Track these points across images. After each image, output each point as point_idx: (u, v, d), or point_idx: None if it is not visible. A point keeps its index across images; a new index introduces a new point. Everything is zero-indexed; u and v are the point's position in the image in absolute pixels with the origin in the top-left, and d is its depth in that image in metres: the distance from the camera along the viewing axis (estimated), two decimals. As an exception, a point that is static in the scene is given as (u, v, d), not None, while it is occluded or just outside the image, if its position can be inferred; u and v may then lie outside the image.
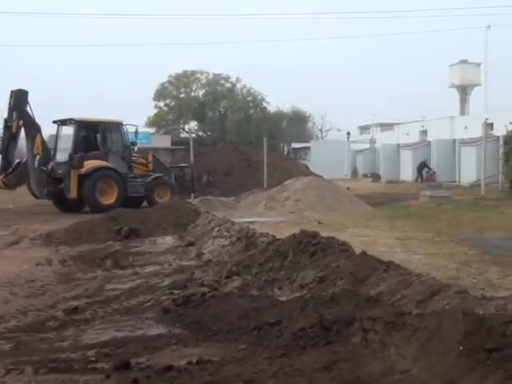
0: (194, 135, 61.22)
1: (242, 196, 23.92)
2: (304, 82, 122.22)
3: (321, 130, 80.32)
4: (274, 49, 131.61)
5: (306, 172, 33.78)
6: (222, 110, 65.07)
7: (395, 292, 5.74)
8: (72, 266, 9.60)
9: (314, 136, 75.22)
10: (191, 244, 11.62)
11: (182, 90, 64.76)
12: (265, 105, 65.82)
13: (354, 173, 54.99)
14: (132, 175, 22.68)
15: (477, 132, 34.14)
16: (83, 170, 21.09)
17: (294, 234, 8.48)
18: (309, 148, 59.19)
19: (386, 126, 70.08)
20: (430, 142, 44.59)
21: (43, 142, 21.61)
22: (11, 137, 21.13)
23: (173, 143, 53.26)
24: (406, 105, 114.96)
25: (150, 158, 23.89)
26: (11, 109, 21.14)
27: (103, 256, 10.42)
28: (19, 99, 21.19)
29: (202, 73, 64.30)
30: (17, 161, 21.87)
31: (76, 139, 21.84)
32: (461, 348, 3.74)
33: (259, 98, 64.89)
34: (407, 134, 55.37)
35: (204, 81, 64.74)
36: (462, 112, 61.86)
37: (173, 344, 5.36)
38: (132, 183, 22.29)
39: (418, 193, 26.30)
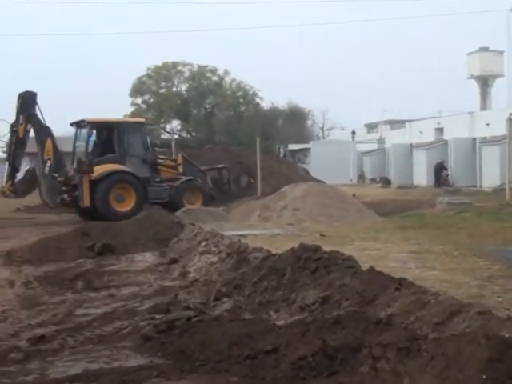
0: (176, 136, 61.15)
1: (232, 205, 23.93)
2: (302, 75, 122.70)
3: (322, 129, 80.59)
4: (267, 37, 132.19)
5: (306, 177, 33.90)
6: (208, 107, 65.17)
7: (409, 314, 5.74)
8: (37, 289, 9.56)
9: (314, 136, 75.43)
10: (174, 261, 11.61)
11: (163, 84, 64.86)
12: (257, 101, 65.99)
13: (361, 177, 55.14)
14: (158, 179, 23.16)
15: (500, 129, 34.23)
16: (94, 176, 21.62)
17: (292, 249, 8.48)
18: (308, 149, 59.29)
19: (397, 124, 70.27)
20: (446, 142, 44.75)
21: (54, 147, 22.10)
22: (18, 142, 21.74)
23: (153, 145, 53.20)
24: (419, 99, 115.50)
25: (180, 160, 24.43)
26: (18, 112, 21.77)
27: (73, 276, 10.38)
28: (26, 102, 21.85)
29: (184, 65, 64.43)
30: (27, 167, 22.63)
31: (89, 142, 22.47)
32: (484, 377, 3.74)
33: (251, 93, 65.05)
34: (421, 133, 55.53)
35: (187, 74, 64.85)
36: (483, 107, 62.13)
37: (154, 377, 5.35)
38: (154, 188, 22.75)
39: (434, 199, 26.39)
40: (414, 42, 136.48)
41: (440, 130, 54.08)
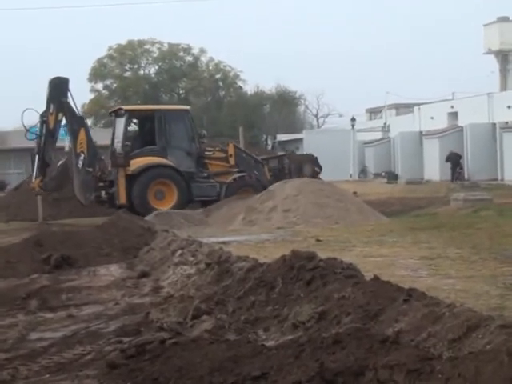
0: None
1: (212, 207, 23.93)
2: (292, 54, 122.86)
3: (316, 116, 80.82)
4: (250, 9, 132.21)
5: (298, 172, 33.83)
6: (181, 92, 65.26)
7: (420, 329, 5.78)
8: (-17, 310, 9.53)
9: (307, 124, 75.62)
10: (145, 275, 11.62)
11: (127, 66, 64.92)
12: (240, 84, 66.21)
13: (363, 172, 55.36)
14: (205, 174, 23.86)
15: (524, 112, 34.52)
16: (131, 170, 22.35)
17: (283, 257, 8.50)
18: (301, 140, 59.42)
19: (404, 108, 70.48)
20: (462, 128, 44.96)
21: (88, 139, 22.76)
22: (48, 133, 22.32)
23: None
24: (428, 80, 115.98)
25: (232, 150, 24.92)
26: (48, 100, 22.40)
27: (26, 294, 10.35)
28: (57, 88, 22.46)
29: (153, 43, 64.49)
30: (60, 161, 23.39)
31: (126, 132, 23.46)
32: (508, 400, 3.78)
33: (232, 75, 65.21)
34: (432, 118, 55.68)
35: (156, 54, 64.92)
36: (504, 87, 62.31)
37: (123, 410, 5.36)
38: (200, 184, 23.48)
39: (449, 196, 26.52)
40: (421, 12, 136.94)
41: (454, 115, 54.24)
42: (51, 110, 22.44)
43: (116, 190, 22.41)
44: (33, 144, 23.76)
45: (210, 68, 65.62)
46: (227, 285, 8.82)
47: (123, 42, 64.12)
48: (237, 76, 65.67)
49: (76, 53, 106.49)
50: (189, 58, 65.26)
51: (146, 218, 20.42)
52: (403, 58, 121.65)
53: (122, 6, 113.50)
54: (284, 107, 67.56)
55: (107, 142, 51.18)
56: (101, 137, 52.56)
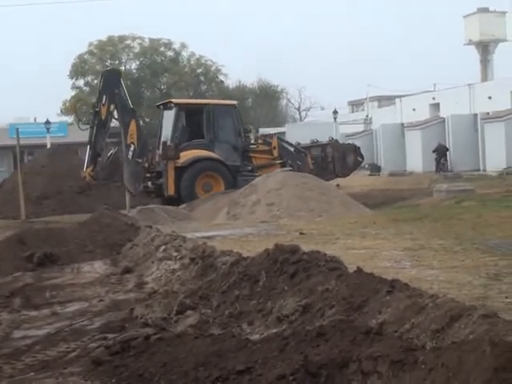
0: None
1: (195, 202, 23.92)
2: (274, 47, 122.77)
3: (298, 110, 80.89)
4: (230, 2, 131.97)
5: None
6: (163, 87, 65.06)
7: (403, 320, 5.80)
8: (-34, 309, 9.50)
9: (289, 117, 75.63)
10: (128, 271, 11.60)
11: (108, 62, 64.57)
12: (221, 78, 66.08)
13: (346, 164, 55.29)
14: (249, 167, 24.56)
15: (505, 103, 34.65)
16: (180, 162, 23.11)
17: (266, 251, 8.51)
18: (283, 133, 59.37)
19: (386, 100, 70.69)
20: (443, 119, 45.10)
21: (139, 130, 23.35)
22: (100, 124, 23.06)
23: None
24: (410, 71, 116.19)
25: (275, 143, 25.61)
26: (101, 92, 23.19)
27: (9, 293, 10.30)
28: (110, 80, 23.22)
29: (133, 38, 64.23)
30: (110, 151, 23.77)
31: (175, 125, 24.00)
32: (490, 390, 3.80)
33: (213, 69, 65.09)
34: (414, 110, 55.87)
35: (137, 49, 64.65)
36: (485, 77, 62.58)
37: (108, 406, 5.35)
38: (246, 177, 23.79)
39: (431, 187, 26.61)
40: (401, 4, 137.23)
41: (435, 106, 54.47)
42: (103, 101, 23.04)
43: (165, 181, 23.03)
44: (14, 142, 23.86)
45: (192, 63, 65.47)
46: (211, 279, 8.81)
47: (104, 37, 63.88)
48: (218, 70, 65.60)
49: (56, 49, 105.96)
50: (170, 53, 65.06)
51: (130, 214, 20.40)
52: (384, 50, 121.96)
53: (102, 2, 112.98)
54: (266, 101, 67.59)
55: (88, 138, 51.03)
56: (80, 133, 52.48)
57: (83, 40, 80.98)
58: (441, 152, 42.28)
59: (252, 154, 25.14)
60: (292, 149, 26.61)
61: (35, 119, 58.09)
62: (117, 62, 64.70)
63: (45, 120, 49.09)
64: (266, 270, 8.08)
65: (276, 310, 7.22)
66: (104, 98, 23.07)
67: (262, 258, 8.43)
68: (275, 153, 25.59)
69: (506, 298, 7.79)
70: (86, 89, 64.70)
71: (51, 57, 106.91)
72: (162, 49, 64.93)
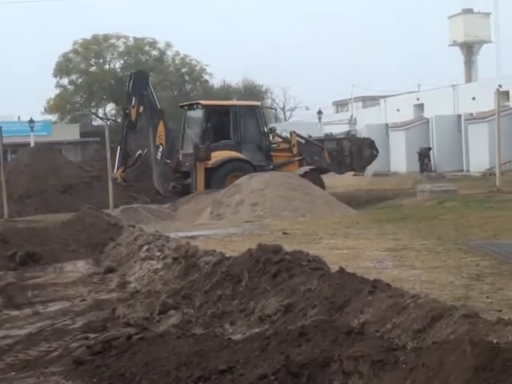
0: (110, 122, 60.78)
1: (179, 201, 23.90)
2: (258, 47, 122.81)
3: (283, 110, 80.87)
4: (216, 3, 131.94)
5: (265, 166, 33.91)
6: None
7: (385, 320, 5.82)
8: None
9: (273, 117, 75.59)
10: (111, 270, 11.59)
11: (93, 61, 64.35)
12: (206, 78, 65.94)
13: (330, 165, 55.30)
14: (271, 166, 24.81)
15: (488, 104, 34.74)
16: (210, 163, 23.36)
17: (249, 251, 8.52)
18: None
19: (370, 101, 70.82)
20: (428, 120, 45.23)
21: (167, 131, 23.78)
22: (130, 125, 23.42)
23: (82, 134, 52.87)
24: (394, 72, 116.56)
25: (294, 140, 26.02)
26: (130, 94, 23.47)
27: (-9, 292, 10.29)
28: (139, 82, 23.66)
29: (118, 37, 64.01)
30: (138, 152, 24.01)
31: (204, 127, 24.15)
32: (470, 389, 3.82)
33: (198, 68, 65.00)
34: (398, 110, 55.98)
35: (122, 48, 64.44)
36: (469, 78, 62.82)
37: (89, 406, 5.34)
38: None
39: (415, 188, 26.69)
40: (386, 4, 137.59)
41: (420, 107, 54.59)
42: (133, 103, 23.34)
43: (193, 181, 23.26)
44: None
45: (176, 62, 65.32)
46: (194, 279, 8.82)
47: (88, 36, 63.65)
48: (203, 70, 65.46)
49: (41, 47, 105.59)
50: (154, 53, 64.90)
51: (113, 213, 20.37)
52: (369, 50, 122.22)
53: (87, 1, 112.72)
54: (251, 100, 67.54)
55: (73, 137, 50.74)
56: (64, 132, 52.33)
57: (68, 38, 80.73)
58: (423, 154, 42.44)
59: (273, 153, 25.53)
60: (310, 144, 27.10)
61: (19, 118, 57.81)
62: (101, 60, 64.47)
63: (28, 119, 48.90)
64: (248, 270, 8.09)
65: (258, 309, 7.22)
66: (133, 99, 23.40)
67: (244, 257, 8.44)
68: (295, 150, 26.04)
69: (487, 298, 7.83)
70: (71, 87, 64.40)
71: (35, 55, 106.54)
72: (147, 48, 64.74)
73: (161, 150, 23.45)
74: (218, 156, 23.63)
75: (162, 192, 24.14)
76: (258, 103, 27.49)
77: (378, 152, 29.97)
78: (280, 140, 26.71)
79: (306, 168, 25.37)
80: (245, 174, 23.28)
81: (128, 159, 23.84)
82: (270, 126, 26.91)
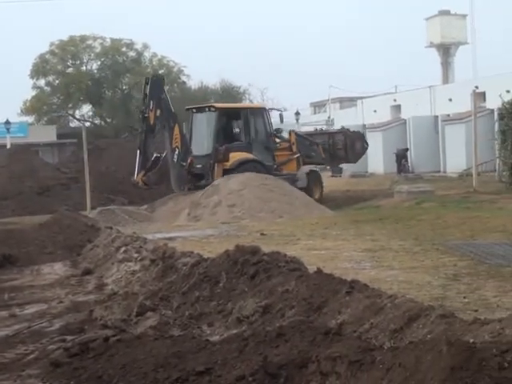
0: (88, 124, 60.55)
1: (156, 203, 23.87)
2: (236, 48, 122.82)
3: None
4: (192, 2, 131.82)
5: (243, 167, 33.94)
6: (125, 88, 64.63)
7: (362, 321, 5.85)
8: None
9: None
10: (88, 272, 11.56)
11: (70, 62, 64.01)
12: (184, 79, 65.77)
13: (308, 166, 55.32)
14: (275, 166, 25.37)
15: (465, 105, 34.94)
16: (228, 164, 23.79)
17: (227, 252, 8.52)
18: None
19: (347, 102, 70.94)
20: (405, 121, 45.39)
21: (181, 134, 24.18)
22: (148, 129, 23.53)
23: (59, 136, 52.59)
24: (371, 73, 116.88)
25: (293, 139, 26.75)
26: (148, 98, 23.65)
27: (-34, 295, 10.24)
28: (156, 86, 23.94)
29: (95, 38, 63.69)
30: (154, 155, 24.01)
31: (217, 129, 24.53)
32: (447, 388, 3.84)
33: (175, 70, 64.85)
34: (375, 111, 56.11)
35: (99, 49, 64.13)
36: (445, 80, 63.07)
37: (66, 409, 5.32)
38: (278, 177, 24.35)
39: (392, 188, 26.79)
40: (362, 5, 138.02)
41: (397, 108, 54.75)
42: (151, 107, 23.48)
43: (211, 182, 23.31)
44: None
45: (154, 63, 65.06)
46: (172, 281, 8.81)
47: (65, 37, 63.29)
48: (180, 71, 65.26)
49: (16, 48, 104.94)
50: (132, 54, 64.59)
51: (90, 215, 20.31)
52: (346, 51, 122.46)
53: (63, 1, 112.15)
54: (228, 102, 67.44)
55: (50, 138, 50.37)
56: (41, 133, 51.98)
57: (44, 39, 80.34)
58: (401, 155, 42.56)
59: (276, 153, 25.99)
60: (305, 141, 27.72)
61: (-5, 119, 57.48)
62: (78, 62, 64.14)
63: (4, 120, 48.59)
64: (226, 271, 8.09)
65: (236, 310, 7.23)
66: (151, 103, 23.58)
67: (222, 259, 8.44)
68: (294, 148, 26.55)
69: (464, 298, 7.88)
70: (47, 89, 64.01)
71: (11, 56, 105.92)
72: (124, 49, 64.43)
73: (177, 152, 23.72)
74: (234, 157, 24.09)
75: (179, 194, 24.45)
76: (265, 106, 28.24)
77: (368, 145, 30.91)
78: (279, 140, 27.16)
79: (310, 167, 26.35)
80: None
81: (147, 163, 23.91)
82: (278, 127, 27.18)
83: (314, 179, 26.00)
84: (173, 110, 24.18)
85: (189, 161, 23.94)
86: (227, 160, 23.86)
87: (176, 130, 23.80)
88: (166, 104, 23.94)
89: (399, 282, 9.04)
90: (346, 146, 28.64)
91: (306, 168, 26.27)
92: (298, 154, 26.50)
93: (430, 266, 10.35)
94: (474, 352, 4.02)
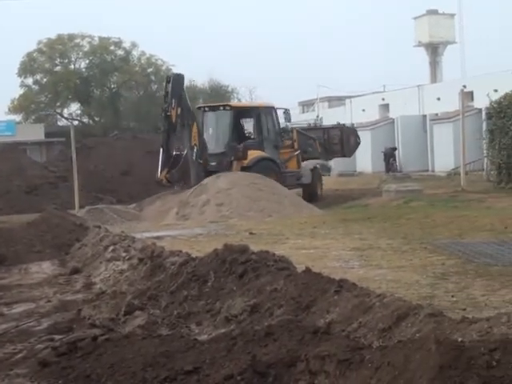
0: (76, 122, 60.40)
1: (145, 202, 23.83)
2: (224, 47, 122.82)
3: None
4: (180, 3, 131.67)
5: (232, 166, 33.94)
6: (113, 86, 64.49)
7: (350, 320, 5.85)
8: None
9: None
10: (77, 271, 11.54)
11: (58, 61, 63.82)
12: (172, 78, 65.60)
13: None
14: (281, 163, 25.79)
15: (453, 104, 35.02)
16: (246, 162, 24.26)
17: (215, 251, 8.52)
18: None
19: (336, 101, 70.94)
20: (393, 120, 45.47)
21: (199, 132, 24.44)
22: (171, 127, 23.85)
23: (47, 135, 52.40)
24: (359, 72, 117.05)
25: (295, 136, 27.34)
26: (170, 96, 23.87)
27: (-46, 294, 10.20)
28: (178, 84, 24.21)
29: (83, 37, 63.52)
30: (174, 153, 24.46)
31: (232, 127, 25.10)
32: (435, 387, 3.85)
33: (164, 68, 64.61)
34: (363, 111, 56.17)
35: (87, 48, 63.98)
36: (434, 79, 63.20)
37: (54, 408, 5.31)
38: (285, 174, 25.32)
39: (381, 187, 26.83)
40: (351, 4, 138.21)
41: (385, 107, 54.83)
42: (173, 105, 23.69)
43: None
44: None
45: (142, 62, 64.89)
46: (160, 280, 8.80)
47: (53, 36, 63.08)
48: (169, 70, 64.99)
49: (3, 46, 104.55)
50: (120, 52, 64.39)
51: (78, 213, 20.26)
52: (334, 50, 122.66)
53: None
54: (217, 101, 67.36)
55: (38, 137, 50.20)
56: (29, 132, 51.80)
57: (32, 38, 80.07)
58: (388, 154, 42.63)
59: (281, 151, 26.38)
60: (304, 137, 28.24)
61: (-17, 118, 57.25)
62: (66, 60, 63.95)
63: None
64: (214, 271, 8.09)
65: (224, 310, 7.23)
66: (173, 101, 23.79)
67: (210, 258, 8.44)
68: (296, 145, 26.99)
69: (453, 296, 7.91)
70: (35, 87, 63.80)
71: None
72: (112, 47, 64.24)
73: (195, 150, 24.03)
74: (252, 155, 24.53)
75: None
76: (273, 105, 28.19)
77: (360, 140, 31.59)
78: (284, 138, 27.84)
79: (313, 163, 27.14)
80: (273, 172, 24.29)
81: (170, 160, 24.25)
82: (286, 125, 27.74)
83: (317, 175, 26.85)
84: (191, 108, 24.69)
85: (205, 158, 24.40)
86: (245, 158, 24.33)
87: (194, 128, 24.10)
88: (186, 102, 24.27)
89: (387, 280, 9.06)
90: (342, 141, 29.36)
91: (310, 164, 26.92)
92: (299, 151, 26.98)
93: (419, 264, 10.38)
94: (462, 351, 4.03)
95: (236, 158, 24.26)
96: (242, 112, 26.42)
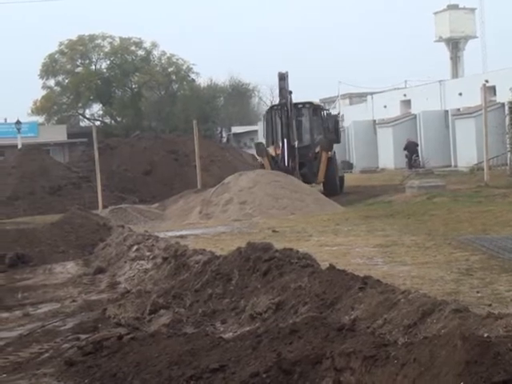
0: (98, 123, 60.72)
1: (168, 201, 23.88)
2: (244, 45, 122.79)
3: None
4: (200, 2, 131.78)
5: (254, 164, 33.94)
6: (134, 86, 64.78)
7: (375, 316, 5.83)
8: None
9: (261, 116, 75.50)
10: (101, 271, 11.57)
11: (79, 61, 64.22)
12: (193, 77, 65.81)
13: (318, 162, 55.29)
14: None
15: (475, 99, 34.83)
16: (330, 154, 26.79)
17: (239, 249, 8.53)
18: (255, 132, 59.34)
19: (357, 98, 70.74)
20: (415, 116, 45.27)
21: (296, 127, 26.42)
22: (290, 121, 25.73)
23: (70, 135, 52.77)
24: (381, 68, 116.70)
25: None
26: (286, 92, 25.71)
27: (-20, 295, 10.26)
28: (287, 81, 25.85)
29: (104, 37, 63.86)
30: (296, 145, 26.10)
31: (313, 123, 27.93)
32: (462, 383, 3.83)
33: (184, 68, 64.89)
34: (385, 107, 56.00)
35: (108, 48, 64.29)
36: (455, 74, 62.93)
37: (81, 407, 5.33)
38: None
39: (404, 184, 26.72)
40: (373, 1, 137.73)
41: (407, 103, 54.61)
42: (289, 100, 25.69)
43: (316, 171, 26.09)
44: None
45: (163, 61, 65.13)
46: (184, 278, 8.82)
47: (74, 37, 63.39)
48: (190, 69, 65.26)
49: (26, 48, 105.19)
50: (141, 52, 64.67)
51: (102, 213, 20.35)
52: (355, 47, 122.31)
53: (72, 1, 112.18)
54: (238, 100, 67.38)
55: (61, 138, 50.51)
56: (51, 133, 52.08)
57: (54, 39, 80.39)
58: (411, 149, 42.42)
59: None
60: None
61: (5, 119, 57.58)
62: (87, 61, 64.30)
63: (15, 120, 48.69)
64: (238, 269, 8.09)
65: (249, 307, 7.23)
66: (289, 97, 25.71)
67: (234, 256, 8.44)
68: None
69: (478, 292, 7.85)
70: (57, 88, 64.19)
71: (21, 56, 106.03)
72: (133, 48, 64.54)
73: (297, 142, 25.96)
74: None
75: None
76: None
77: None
78: None
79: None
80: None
81: (293, 150, 25.91)
82: None
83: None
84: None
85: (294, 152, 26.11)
86: (330, 150, 26.55)
87: (294, 123, 25.89)
88: (291, 99, 26.04)
89: (412, 277, 9.01)
90: (337, 129, 30.36)
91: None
92: None
93: (443, 260, 10.32)
94: (488, 346, 4.01)
95: (325, 150, 26.23)
96: (315, 109, 28.44)
